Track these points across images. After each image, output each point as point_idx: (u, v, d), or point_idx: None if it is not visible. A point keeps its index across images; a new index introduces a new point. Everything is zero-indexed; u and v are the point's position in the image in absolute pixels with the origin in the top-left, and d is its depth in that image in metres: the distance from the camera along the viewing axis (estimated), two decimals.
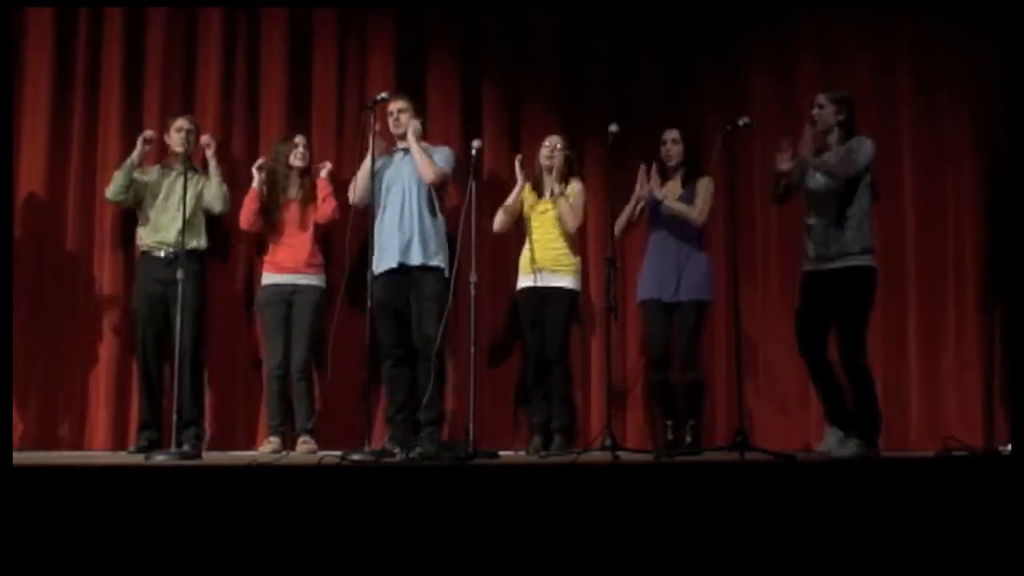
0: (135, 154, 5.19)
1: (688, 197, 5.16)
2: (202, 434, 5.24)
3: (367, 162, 4.89)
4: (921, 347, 5.67)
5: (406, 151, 5.12)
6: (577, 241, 5.39)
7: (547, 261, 5.24)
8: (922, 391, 5.64)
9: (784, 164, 4.59)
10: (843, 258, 4.44)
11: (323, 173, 5.42)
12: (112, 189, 5.23)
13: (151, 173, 5.30)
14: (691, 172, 5.22)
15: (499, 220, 5.36)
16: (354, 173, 5.20)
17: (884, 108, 5.81)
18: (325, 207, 5.34)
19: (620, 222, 5.15)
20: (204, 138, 5.25)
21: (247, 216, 5.37)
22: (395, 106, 5.14)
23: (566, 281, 5.25)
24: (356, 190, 5.12)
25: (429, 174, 5.00)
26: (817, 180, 4.54)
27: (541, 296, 5.24)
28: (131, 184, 5.22)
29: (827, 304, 4.47)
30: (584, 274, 5.43)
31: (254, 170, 5.40)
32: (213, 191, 5.27)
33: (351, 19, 5.89)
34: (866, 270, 4.46)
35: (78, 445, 5.36)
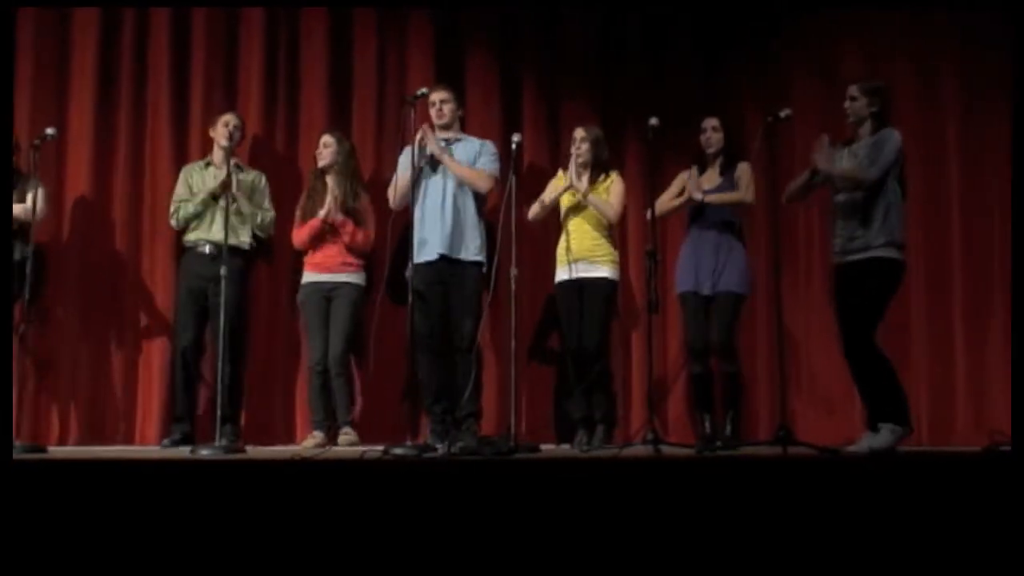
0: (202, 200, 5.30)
1: (727, 185, 5.14)
2: (239, 431, 5.29)
3: (403, 160, 4.89)
4: (967, 342, 5.60)
5: (447, 141, 5.13)
6: (615, 232, 5.33)
7: (584, 252, 5.16)
8: (968, 386, 5.56)
9: (802, 177, 4.59)
10: (866, 251, 4.36)
11: (322, 213, 5.31)
12: (179, 220, 5.36)
13: (198, 181, 5.40)
14: (730, 160, 5.20)
15: (533, 211, 5.27)
16: (394, 170, 5.18)
17: (928, 104, 5.74)
18: (354, 241, 5.33)
19: (663, 207, 5.18)
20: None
21: (303, 242, 5.39)
22: (437, 96, 5.14)
23: (604, 271, 5.17)
24: (396, 194, 5.07)
25: (484, 185, 5.04)
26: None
27: (579, 287, 5.18)
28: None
29: (852, 297, 4.42)
30: (624, 267, 5.40)
31: (323, 214, 5.28)
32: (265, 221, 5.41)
33: (390, 18, 5.92)
34: (887, 261, 4.36)
35: (128, 440, 5.45)
